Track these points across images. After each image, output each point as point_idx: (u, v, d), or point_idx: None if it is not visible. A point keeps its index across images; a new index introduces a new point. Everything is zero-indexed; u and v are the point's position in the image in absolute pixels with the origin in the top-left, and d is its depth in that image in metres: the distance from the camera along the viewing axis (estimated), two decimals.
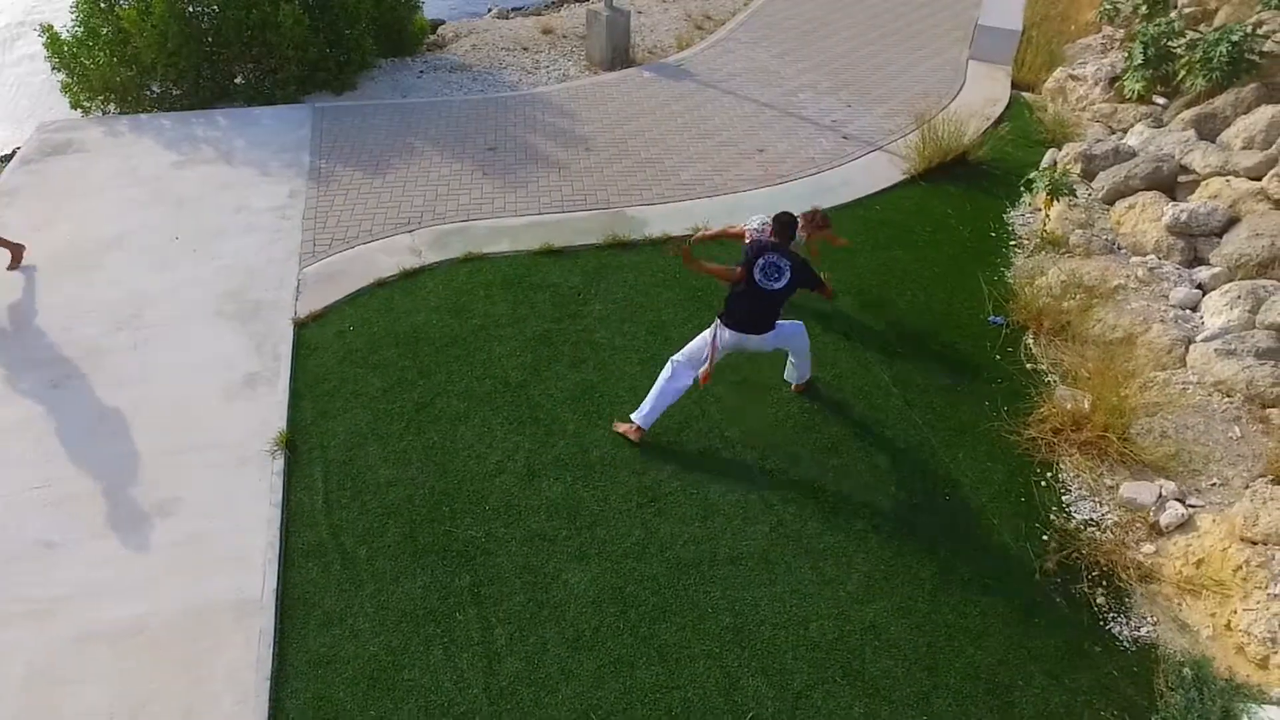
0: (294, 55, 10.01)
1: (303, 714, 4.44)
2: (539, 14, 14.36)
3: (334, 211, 8.18)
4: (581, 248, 7.76)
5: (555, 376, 6.42)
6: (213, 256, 7.56)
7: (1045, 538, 5.37)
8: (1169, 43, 9.29)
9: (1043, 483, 5.72)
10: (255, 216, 8.09)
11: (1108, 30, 11.51)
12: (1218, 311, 6.57)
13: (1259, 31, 8.61)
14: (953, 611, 4.98)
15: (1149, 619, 4.95)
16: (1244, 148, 7.93)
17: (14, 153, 9.55)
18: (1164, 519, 5.33)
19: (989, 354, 6.73)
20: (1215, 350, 6.20)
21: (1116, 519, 5.45)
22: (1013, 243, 8.04)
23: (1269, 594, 4.68)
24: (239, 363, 6.48)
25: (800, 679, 4.63)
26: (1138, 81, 9.43)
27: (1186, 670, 4.57)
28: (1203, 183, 7.78)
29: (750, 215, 6.84)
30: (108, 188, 8.47)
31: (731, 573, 5.14)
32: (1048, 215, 7.91)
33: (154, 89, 10.14)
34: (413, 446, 5.86)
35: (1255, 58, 8.46)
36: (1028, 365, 6.61)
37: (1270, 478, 5.37)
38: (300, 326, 6.82)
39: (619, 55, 11.28)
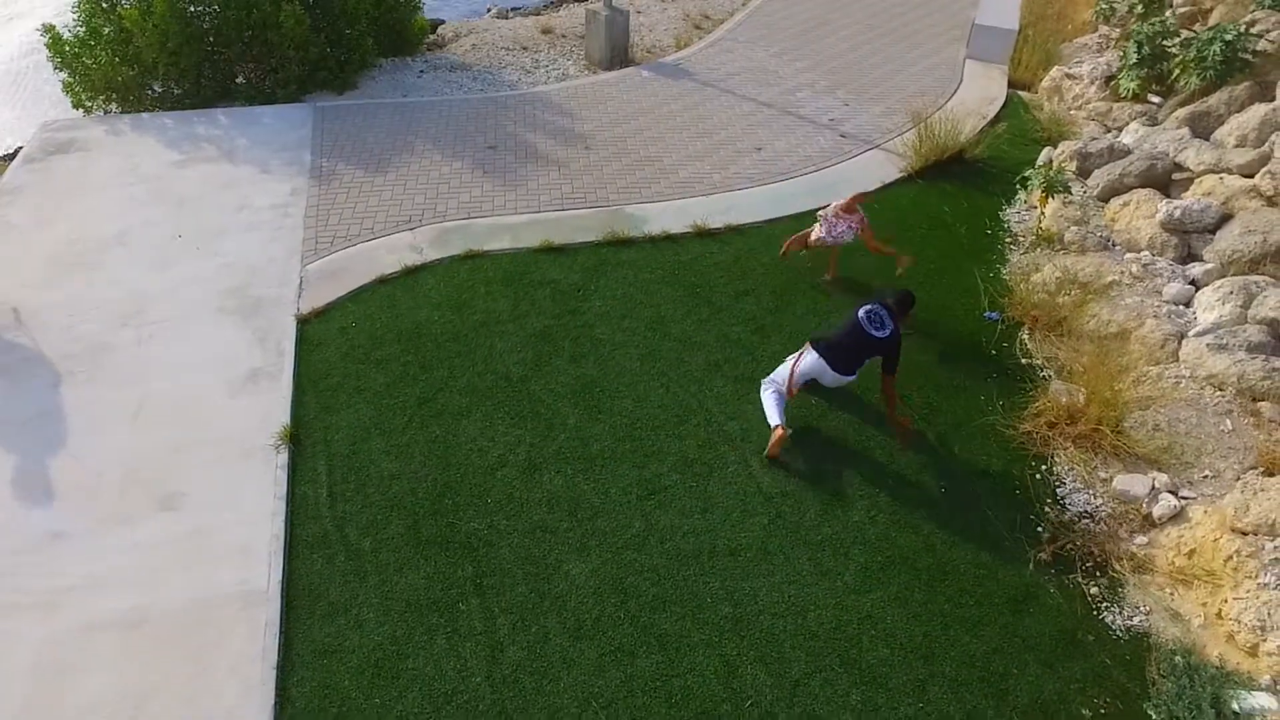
0: (295, 55, 10.08)
1: (309, 703, 4.51)
2: (538, 14, 14.44)
3: (336, 209, 8.24)
4: (581, 245, 7.83)
5: (556, 371, 6.49)
6: (215, 254, 7.63)
7: (1040, 529, 5.45)
8: (1164, 42, 9.38)
9: (1037, 475, 5.80)
10: (257, 214, 8.15)
11: (1103, 30, 11.61)
12: (1210, 307, 6.65)
13: (1252, 31, 8.71)
14: (949, 601, 5.05)
15: (1141, 608, 5.02)
16: (1237, 145, 8.02)
17: (16, 151, 9.61)
18: (1157, 511, 5.41)
19: (985, 349, 6.80)
20: (1208, 345, 6.27)
21: (1110, 511, 5.52)
22: (1008, 239, 8.11)
23: (1259, 583, 4.76)
24: (242, 359, 6.55)
25: (798, 667, 4.70)
26: (1133, 80, 9.52)
27: (1178, 658, 4.66)
28: (1196, 180, 7.87)
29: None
30: (110, 186, 8.53)
31: (730, 564, 5.21)
32: (1043, 212, 7.99)
33: (155, 88, 10.21)
34: (415, 440, 5.93)
35: (1248, 57, 8.55)
36: (1023, 360, 6.69)
37: (1261, 470, 5.45)
38: (303, 323, 6.88)
39: (618, 55, 11.36)
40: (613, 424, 6.07)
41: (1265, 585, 4.73)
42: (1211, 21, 9.72)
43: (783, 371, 5.92)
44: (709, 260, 7.68)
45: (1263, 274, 6.77)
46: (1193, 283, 7.08)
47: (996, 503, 5.62)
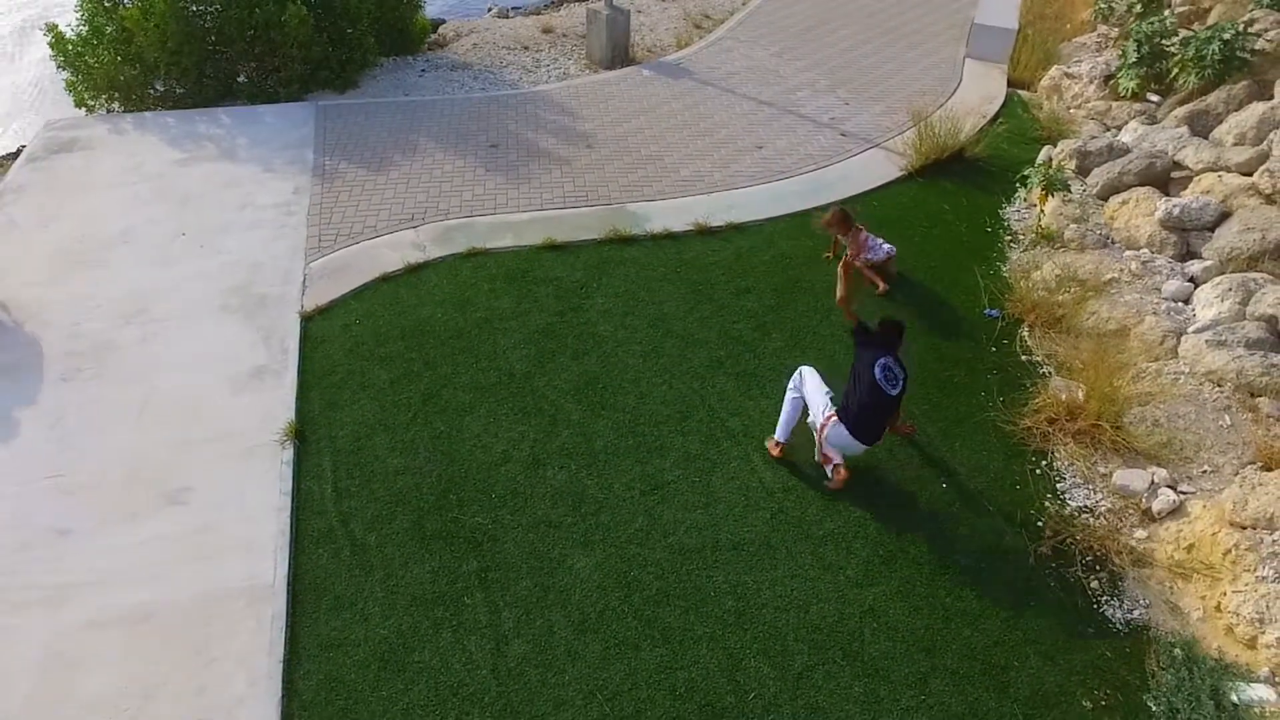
0: (297, 54, 10.10)
1: (315, 695, 4.54)
2: (539, 13, 14.47)
3: (338, 207, 8.27)
4: (583, 242, 7.86)
5: (559, 368, 6.53)
6: (218, 252, 7.66)
7: (1040, 524, 5.48)
8: (1162, 41, 9.42)
9: (1038, 471, 5.84)
10: (260, 213, 8.18)
11: (1102, 29, 11.66)
12: (1209, 304, 6.69)
13: (1251, 30, 8.75)
14: (950, 595, 5.09)
15: (1141, 602, 5.06)
16: (1235, 144, 8.06)
17: (20, 150, 9.63)
18: (1156, 505, 5.45)
19: (985, 346, 6.84)
20: (1206, 341, 6.32)
21: (1110, 505, 5.57)
22: (1008, 238, 8.16)
23: (1257, 577, 4.80)
24: (246, 356, 6.58)
25: (801, 660, 4.73)
26: (1132, 79, 9.57)
27: (1177, 651, 4.70)
28: (1195, 178, 7.91)
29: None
30: (113, 185, 8.56)
31: (733, 558, 5.24)
32: (1043, 211, 8.03)
33: (158, 87, 10.23)
34: (420, 436, 5.96)
35: (1247, 55, 8.59)
36: (1023, 357, 6.73)
37: (1259, 464, 5.49)
38: (307, 320, 6.91)
39: (619, 54, 11.39)
40: (616, 420, 6.11)
41: (1263, 579, 4.77)
42: (1210, 21, 9.77)
43: (817, 408, 5.57)
44: (710, 258, 7.72)
45: (1261, 271, 6.82)
46: (1191, 280, 7.13)
47: (997, 498, 5.66)
